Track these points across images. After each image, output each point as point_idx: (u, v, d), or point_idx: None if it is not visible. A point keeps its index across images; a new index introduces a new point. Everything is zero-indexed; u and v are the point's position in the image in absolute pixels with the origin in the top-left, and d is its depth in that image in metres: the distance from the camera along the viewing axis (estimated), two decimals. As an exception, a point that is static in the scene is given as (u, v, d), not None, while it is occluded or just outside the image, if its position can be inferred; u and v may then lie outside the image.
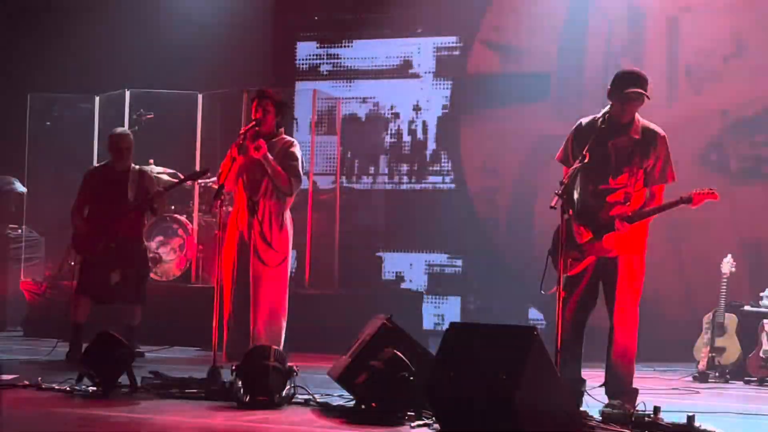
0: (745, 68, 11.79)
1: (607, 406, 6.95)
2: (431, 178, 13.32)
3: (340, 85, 13.59)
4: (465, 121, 13.06)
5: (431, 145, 13.35)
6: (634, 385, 7.21)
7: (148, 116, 12.25)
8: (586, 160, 6.95)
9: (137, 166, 9.94)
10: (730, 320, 9.83)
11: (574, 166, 6.98)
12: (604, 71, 11.83)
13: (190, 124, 12.00)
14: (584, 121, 7.32)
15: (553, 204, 6.85)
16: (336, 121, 12.67)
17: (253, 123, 8.18)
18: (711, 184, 7.18)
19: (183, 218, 11.86)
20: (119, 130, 10.16)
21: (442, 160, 13.27)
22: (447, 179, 13.23)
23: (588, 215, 7.08)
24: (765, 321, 9.69)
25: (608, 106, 7.18)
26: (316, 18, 13.76)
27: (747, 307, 10.02)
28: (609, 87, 7.18)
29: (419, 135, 13.39)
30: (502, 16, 12.85)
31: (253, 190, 8.22)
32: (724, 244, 10.93)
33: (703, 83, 11.94)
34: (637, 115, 7.16)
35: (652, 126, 7.19)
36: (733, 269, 9.75)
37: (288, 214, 8.37)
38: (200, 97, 12.09)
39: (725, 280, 9.74)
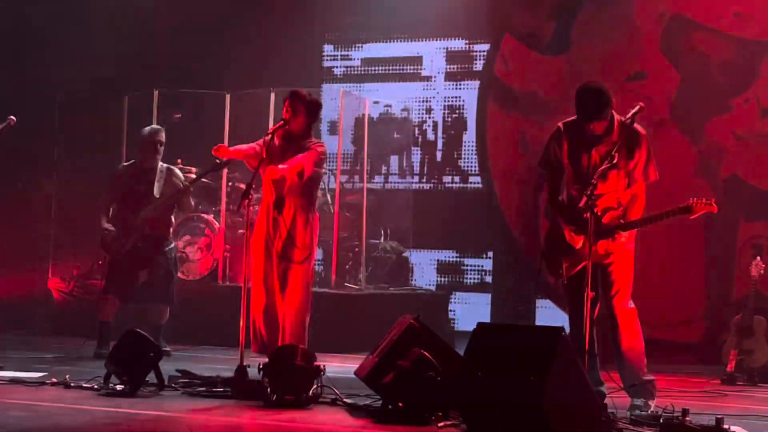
0: None
1: (631, 407, 6.96)
2: (453, 178, 13.34)
3: (351, 88, 13.64)
4: (491, 119, 13.03)
5: (453, 145, 13.36)
6: (651, 377, 7.24)
7: (177, 116, 12.27)
8: (615, 161, 6.96)
9: (165, 165, 9.97)
10: (759, 322, 9.78)
11: (602, 167, 6.96)
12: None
13: (218, 125, 12.03)
14: (563, 125, 7.31)
15: (581, 204, 6.86)
16: (363, 122, 12.67)
17: (282, 122, 8.19)
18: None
19: (210, 217, 11.88)
20: (153, 126, 10.21)
21: (464, 160, 13.28)
22: (473, 180, 13.22)
23: (580, 221, 7.04)
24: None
25: None
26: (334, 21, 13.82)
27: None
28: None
29: (430, 135, 13.43)
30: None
31: (279, 188, 8.21)
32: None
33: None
34: (615, 116, 7.12)
35: (637, 126, 7.15)
36: (762, 271, 9.71)
37: (314, 212, 8.37)
38: (228, 97, 12.11)
39: (754, 282, 9.70)
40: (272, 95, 11.73)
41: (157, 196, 9.78)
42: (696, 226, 9.59)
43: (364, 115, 12.40)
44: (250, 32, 13.45)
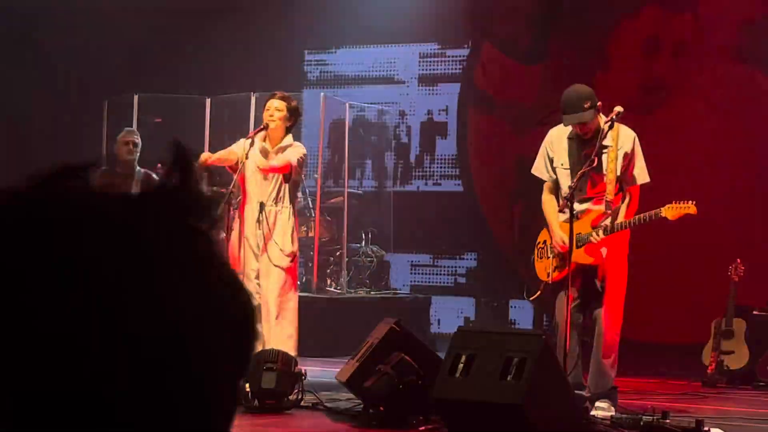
0: None
1: (596, 408, 6.98)
2: (426, 182, 13.38)
3: (328, 92, 13.64)
4: (471, 125, 13.07)
5: (428, 149, 13.39)
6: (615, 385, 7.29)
7: (156, 120, 12.26)
8: (594, 164, 6.98)
9: (143, 170, 9.95)
10: (739, 324, 9.80)
11: (581, 171, 6.99)
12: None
13: (199, 129, 12.02)
14: (554, 131, 7.35)
15: (560, 208, 6.90)
16: (339, 126, 12.68)
17: (263, 127, 8.18)
18: None
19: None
20: (127, 128, 10.16)
21: (438, 164, 13.33)
22: (450, 183, 13.26)
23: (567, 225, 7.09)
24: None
25: None
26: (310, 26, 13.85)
27: (756, 312, 10.01)
28: None
29: (404, 139, 13.47)
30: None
31: (260, 192, 8.19)
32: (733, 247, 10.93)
33: None
34: (602, 120, 7.15)
35: (623, 128, 7.20)
36: (741, 274, 9.74)
37: (294, 215, 8.35)
38: (208, 101, 12.10)
39: (734, 284, 9.73)
40: (253, 99, 11.73)
41: None
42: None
43: (342, 119, 12.42)
44: (230, 36, 13.43)
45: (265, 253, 8.14)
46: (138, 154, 9.85)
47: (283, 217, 8.20)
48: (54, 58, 12.98)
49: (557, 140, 7.29)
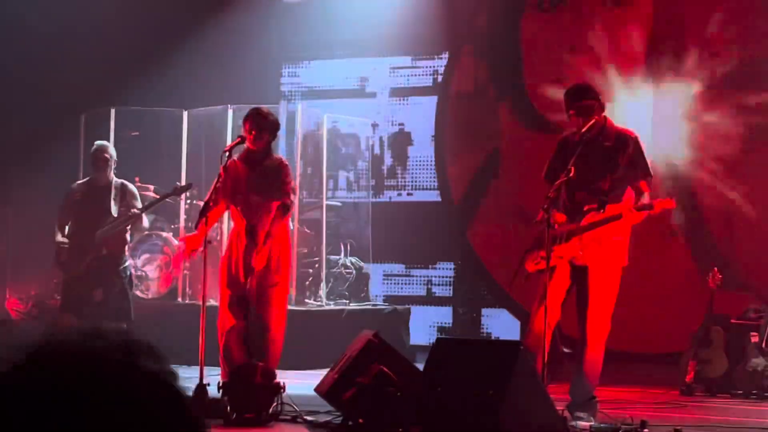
0: None
1: (575, 418, 6.98)
2: (399, 192, 13.43)
3: (303, 105, 13.68)
4: (450, 134, 13.11)
5: (402, 159, 13.43)
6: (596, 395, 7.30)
7: (134, 133, 12.22)
8: (571, 175, 7.00)
9: (119, 181, 9.91)
10: (717, 333, 9.82)
11: (559, 181, 7.02)
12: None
13: (176, 142, 12.00)
14: (564, 136, 7.42)
15: (538, 218, 6.91)
16: (313, 138, 12.67)
17: (239, 140, 8.15)
18: None
19: (169, 235, 11.84)
20: (98, 142, 10.14)
21: (411, 173, 13.38)
22: (423, 193, 13.31)
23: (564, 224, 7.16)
24: (752, 334, 9.70)
25: None
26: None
27: (734, 320, 10.04)
28: None
29: (377, 150, 13.51)
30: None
31: (251, 214, 8.08)
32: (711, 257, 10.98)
33: None
34: (609, 121, 7.27)
35: (624, 130, 7.31)
36: (719, 282, 9.77)
37: (287, 235, 8.30)
38: (185, 114, 12.09)
39: (711, 292, 9.75)
40: (230, 112, 11.72)
41: (115, 215, 9.72)
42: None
43: (314, 131, 12.46)
44: (208, 49, 13.43)
45: (256, 272, 8.02)
46: (113, 166, 9.83)
47: (275, 235, 8.10)
48: (30, 72, 12.94)
49: (565, 146, 7.36)
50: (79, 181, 10.30)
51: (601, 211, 7.14)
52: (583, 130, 7.16)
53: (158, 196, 10.50)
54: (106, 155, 9.79)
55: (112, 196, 9.74)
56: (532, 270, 7.28)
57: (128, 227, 9.85)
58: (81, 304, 9.65)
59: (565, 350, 7.47)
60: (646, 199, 7.21)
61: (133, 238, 10.85)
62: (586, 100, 7.19)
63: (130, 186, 10.00)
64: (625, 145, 7.23)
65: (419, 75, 13.39)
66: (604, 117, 7.31)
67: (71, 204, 9.84)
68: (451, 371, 6.08)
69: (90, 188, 9.85)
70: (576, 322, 7.26)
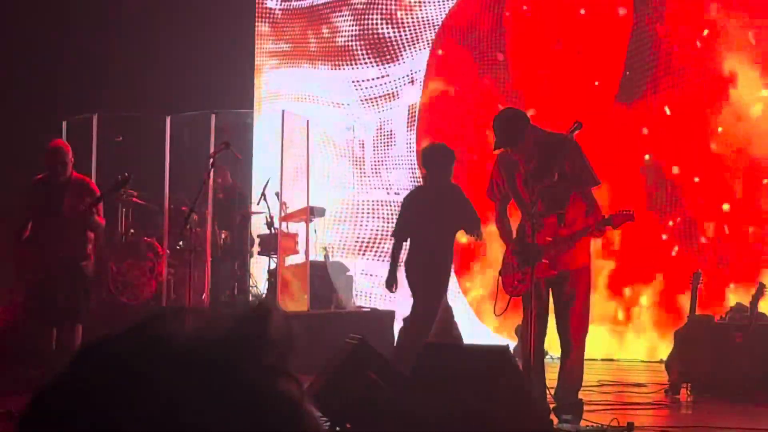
0: None
1: (561, 421, 7.00)
2: (381, 192, 13.45)
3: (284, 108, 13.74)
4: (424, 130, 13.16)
5: (380, 160, 13.47)
6: (581, 399, 7.31)
7: (117, 139, 12.18)
8: (555, 178, 7.00)
9: (79, 176, 9.45)
10: (701, 334, 9.83)
11: (543, 185, 7.00)
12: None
13: (159, 147, 11.97)
14: (498, 155, 7.37)
15: (543, 242, 6.94)
16: (300, 142, 12.66)
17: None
18: None
19: (153, 240, 11.81)
20: (51, 147, 9.54)
21: (390, 174, 13.43)
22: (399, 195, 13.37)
23: (522, 244, 7.10)
24: (737, 334, 9.71)
25: None
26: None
27: (718, 320, 10.06)
28: None
29: (358, 152, 13.54)
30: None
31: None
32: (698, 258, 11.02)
33: None
34: (536, 133, 7.16)
35: (555, 135, 7.18)
36: (702, 284, 9.79)
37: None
38: (168, 119, 12.06)
39: (695, 293, 9.77)
40: (213, 117, 11.70)
41: (65, 212, 9.23)
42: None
43: (305, 136, 12.46)
44: (190, 55, 13.41)
45: None
46: (70, 165, 9.32)
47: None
48: (11, 78, 12.89)
49: (502, 163, 7.39)
50: (38, 177, 9.72)
51: (561, 225, 7.06)
52: (524, 154, 7.11)
53: (142, 202, 10.37)
54: (62, 160, 9.25)
55: (68, 193, 9.24)
56: (511, 295, 7.30)
57: (87, 226, 9.36)
58: (47, 310, 9.26)
59: (551, 355, 7.48)
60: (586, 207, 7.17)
61: (114, 242, 10.74)
62: (516, 134, 7.06)
63: (89, 183, 9.53)
64: (562, 150, 7.07)
65: (390, 82, 13.44)
66: (532, 129, 7.20)
67: (33, 201, 9.31)
68: (439, 376, 6.08)
69: (47, 186, 9.30)
70: (556, 326, 7.28)
